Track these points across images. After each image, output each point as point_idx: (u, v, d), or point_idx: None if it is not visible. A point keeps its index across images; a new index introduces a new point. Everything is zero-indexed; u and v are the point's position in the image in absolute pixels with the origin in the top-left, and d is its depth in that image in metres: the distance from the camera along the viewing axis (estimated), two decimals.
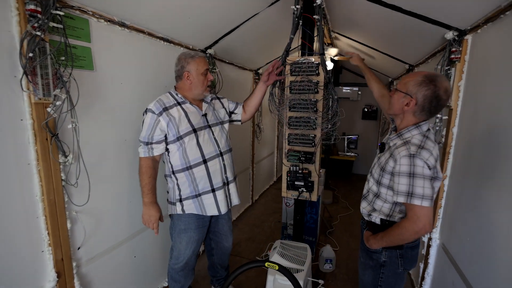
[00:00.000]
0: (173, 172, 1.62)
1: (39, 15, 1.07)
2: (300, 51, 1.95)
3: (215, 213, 1.69)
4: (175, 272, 1.77)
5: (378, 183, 1.24)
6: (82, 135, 1.38)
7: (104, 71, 1.51)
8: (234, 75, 3.10)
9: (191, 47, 2.20)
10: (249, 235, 3.11)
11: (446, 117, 1.71)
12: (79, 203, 1.42)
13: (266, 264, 1.41)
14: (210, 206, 1.67)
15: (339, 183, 5.07)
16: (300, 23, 1.84)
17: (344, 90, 5.44)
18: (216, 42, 2.33)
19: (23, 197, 1.20)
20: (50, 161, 1.25)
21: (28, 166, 1.20)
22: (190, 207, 1.65)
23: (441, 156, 1.79)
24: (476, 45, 1.52)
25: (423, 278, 1.96)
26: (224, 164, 1.70)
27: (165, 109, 1.54)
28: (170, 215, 1.75)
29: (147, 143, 1.54)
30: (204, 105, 1.72)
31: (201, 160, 1.61)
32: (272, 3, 2.12)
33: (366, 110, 5.49)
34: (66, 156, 1.31)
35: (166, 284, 2.17)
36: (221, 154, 1.69)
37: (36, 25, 1.07)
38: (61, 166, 1.31)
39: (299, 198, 2.00)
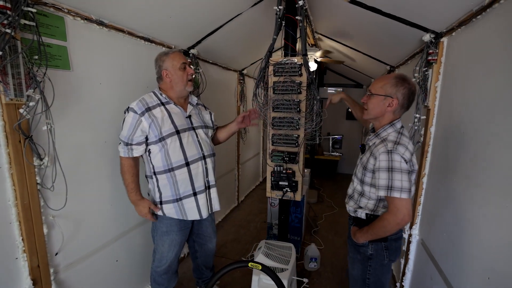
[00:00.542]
0: (155, 173, 1.59)
1: (8, 12, 1.03)
2: (283, 52, 1.96)
3: (196, 217, 1.67)
4: (158, 275, 1.74)
5: (362, 182, 1.32)
6: (59, 137, 1.33)
7: (81, 71, 1.47)
8: (218, 76, 3.08)
9: (173, 46, 2.17)
10: (235, 236, 3.11)
11: (424, 117, 1.77)
12: (56, 207, 1.37)
13: (249, 264, 1.42)
14: (191, 210, 1.65)
15: (324, 183, 5.15)
16: (283, 24, 1.85)
17: (328, 91, 5.52)
18: (199, 42, 2.31)
19: None
20: (24, 164, 1.20)
21: (0, 170, 1.15)
22: (171, 211, 1.62)
23: (419, 154, 1.85)
24: (451, 47, 1.59)
25: (404, 273, 2.02)
26: (206, 168, 1.67)
27: (148, 109, 1.51)
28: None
29: (126, 144, 1.51)
30: (189, 107, 1.70)
31: (184, 162, 1.58)
32: (255, 3, 2.12)
33: (350, 110, 5.58)
34: (41, 159, 1.26)
35: None
36: (204, 157, 1.66)
37: (5, 22, 1.02)
38: (36, 169, 1.26)
39: (283, 198, 2.02)
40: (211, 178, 1.72)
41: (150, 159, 1.58)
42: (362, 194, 1.35)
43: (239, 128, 1.93)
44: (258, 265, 1.40)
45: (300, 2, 1.69)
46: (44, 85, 1.22)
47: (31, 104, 1.18)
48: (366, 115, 1.33)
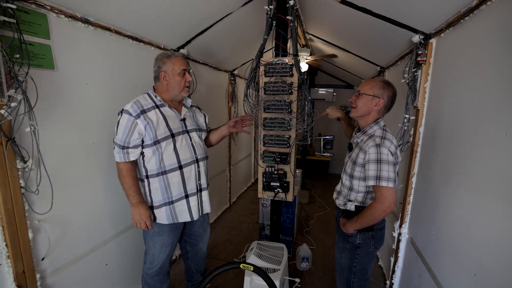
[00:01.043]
0: (147, 177, 1.56)
1: None
2: (274, 52, 1.96)
3: (187, 219, 1.66)
4: (149, 277, 1.71)
5: (351, 176, 1.44)
6: (43, 139, 1.29)
7: (67, 70, 1.43)
8: (209, 76, 3.06)
9: (162, 46, 2.14)
10: (227, 237, 3.09)
11: (414, 117, 1.80)
12: (41, 211, 1.33)
13: (241, 265, 1.40)
14: (182, 213, 1.64)
15: (316, 183, 5.18)
16: (274, 24, 1.85)
17: (320, 92, 5.56)
18: (189, 41, 2.29)
19: None
20: (7, 167, 1.16)
21: None
22: (161, 216, 1.60)
23: (409, 155, 1.88)
24: (440, 48, 1.61)
25: (393, 271, 2.05)
26: (198, 171, 1.66)
27: (143, 111, 1.48)
28: None
29: (123, 147, 1.46)
30: (184, 110, 1.68)
31: (177, 166, 1.57)
32: (246, 3, 2.12)
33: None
34: (25, 162, 1.22)
35: None
36: (197, 160, 1.65)
37: None
38: (19, 173, 1.22)
39: (275, 198, 2.01)
40: (203, 181, 1.71)
41: (144, 162, 1.55)
42: (351, 188, 1.46)
43: (231, 132, 1.93)
44: (250, 266, 1.39)
45: (291, 2, 1.69)
46: (27, 85, 1.18)
47: (13, 104, 1.13)
48: (354, 113, 1.46)
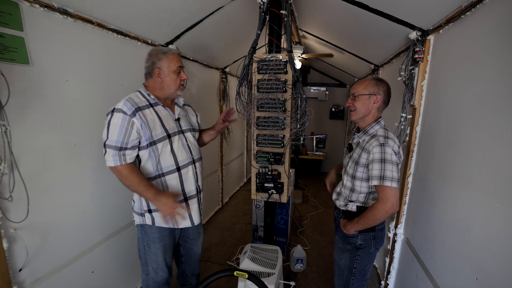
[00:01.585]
0: None
1: None
2: (268, 48, 1.89)
3: (188, 225, 1.58)
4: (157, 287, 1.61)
5: (353, 177, 1.40)
6: (17, 140, 1.19)
7: (44, 66, 1.32)
8: (200, 74, 2.96)
9: (150, 41, 2.04)
10: (219, 239, 3.01)
11: (410, 116, 1.76)
12: (16, 219, 1.22)
13: (235, 273, 1.33)
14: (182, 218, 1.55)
15: (309, 182, 5.15)
16: (267, 19, 1.78)
17: (312, 90, 5.52)
18: (178, 37, 2.19)
19: None
20: None
21: None
22: (160, 219, 1.50)
23: (405, 154, 1.84)
24: (438, 45, 1.57)
25: (388, 272, 2.01)
26: (196, 172, 1.59)
27: (138, 109, 1.37)
28: (137, 225, 1.55)
29: (120, 148, 1.32)
30: (177, 109, 1.59)
31: (175, 167, 1.49)
32: None
33: (333, 110, 5.63)
34: None
35: None
36: (193, 161, 1.58)
37: None
38: None
39: (269, 200, 1.95)
40: (200, 183, 1.66)
41: (140, 166, 1.44)
42: (353, 189, 1.43)
43: (224, 127, 1.85)
44: (244, 273, 1.32)
45: None
46: None
47: None
48: (354, 116, 1.43)
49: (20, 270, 1.27)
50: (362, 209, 1.40)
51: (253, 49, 1.76)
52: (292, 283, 1.93)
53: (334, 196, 1.58)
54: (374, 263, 2.53)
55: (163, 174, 1.46)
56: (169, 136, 1.47)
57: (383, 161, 1.24)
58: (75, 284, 1.57)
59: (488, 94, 1.10)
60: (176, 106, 1.59)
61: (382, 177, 1.23)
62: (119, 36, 1.76)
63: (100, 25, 1.60)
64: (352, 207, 1.44)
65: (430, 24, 1.58)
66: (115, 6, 1.56)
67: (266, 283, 1.38)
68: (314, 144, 5.57)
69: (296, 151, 4.78)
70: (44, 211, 1.36)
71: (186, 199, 1.56)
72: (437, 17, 1.47)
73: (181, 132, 1.56)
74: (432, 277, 1.43)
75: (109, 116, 1.32)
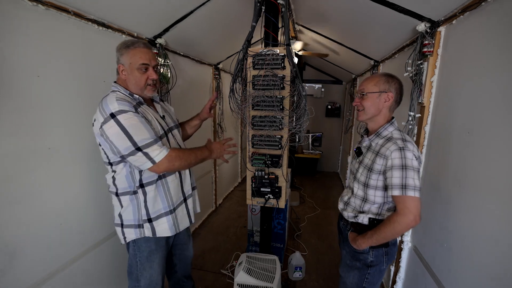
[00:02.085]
0: (142, 186, 1.30)
1: None
2: (264, 42, 1.74)
3: (187, 224, 1.51)
4: None
5: (365, 185, 1.25)
6: None
7: (8, 60, 1.15)
8: (191, 70, 2.79)
9: (135, 34, 1.86)
10: (213, 244, 2.86)
11: (419, 115, 1.63)
12: None
13: None
14: (183, 218, 1.47)
15: (305, 181, 5.03)
16: (263, 10, 1.62)
17: (307, 87, 5.39)
18: (167, 29, 2.02)
19: None
20: None
21: None
22: (163, 228, 1.36)
23: None
24: (451, 38, 1.44)
25: (394, 282, 1.89)
26: (190, 170, 1.51)
27: (134, 107, 1.22)
28: (129, 242, 1.38)
29: (156, 140, 1.20)
30: (157, 106, 1.45)
31: None
32: None
33: (329, 107, 5.51)
34: None
35: None
36: None
37: None
38: None
39: (265, 205, 1.81)
40: (193, 179, 1.58)
41: (139, 169, 1.27)
42: (365, 199, 1.27)
43: (210, 115, 1.74)
44: None
45: None
46: None
47: None
48: (363, 116, 1.28)
49: None
50: (375, 222, 1.25)
51: (248, 42, 1.61)
52: None
53: (340, 206, 1.42)
54: None
55: (164, 176, 1.34)
56: (166, 134, 1.37)
57: (404, 167, 1.10)
58: None
59: (506, 93, 0.97)
60: (155, 103, 1.45)
61: (404, 186, 1.08)
62: (101, 27, 1.58)
63: (77, 15, 1.42)
64: (364, 219, 1.28)
65: (441, 15, 1.45)
66: None
67: None
68: (310, 142, 5.45)
69: (292, 150, 4.66)
70: (9, 225, 1.19)
71: (185, 199, 1.47)
72: (450, 6, 1.33)
73: (170, 130, 1.43)
74: None
75: (112, 122, 1.14)
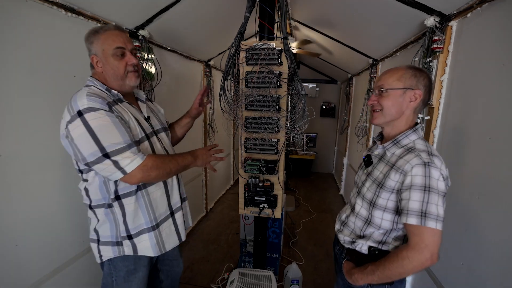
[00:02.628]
0: (118, 197, 1.10)
1: None
2: (258, 35, 1.57)
3: (176, 243, 1.28)
4: None
5: (372, 204, 1.01)
6: None
7: None
8: (179, 67, 2.59)
9: (113, 24, 1.65)
10: (203, 254, 2.67)
11: (428, 117, 1.48)
12: None
13: None
14: (171, 237, 1.25)
15: (299, 183, 4.89)
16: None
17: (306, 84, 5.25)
18: (150, 20, 1.81)
19: None
20: None
21: None
22: (145, 246, 1.16)
23: None
24: (464, 33, 1.29)
25: None
26: (178, 178, 1.31)
27: (109, 104, 1.02)
28: (104, 262, 1.18)
29: (130, 145, 1.00)
30: (142, 105, 1.25)
31: None
32: None
33: (324, 107, 5.38)
34: None
35: None
36: None
37: None
38: None
39: (260, 215, 1.64)
40: (183, 189, 1.37)
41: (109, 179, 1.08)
42: (368, 221, 1.02)
43: (201, 112, 1.55)
44: None
45: None
46: None
47: None
48: (380, 118, 1.02)
49: None
50: (376, 252, 1.01)
51: (241, 34, 1.44)
52: None
53: (337, 226, 1.19)
54: None
55: (144, 186, 1.13)
56: (147, 137, 1.16)
57: (427, 189, 0.85)
58: None
59: None
60: (139, 102, 1.25)
61: (423, 214, 0.84)
62: (69, 14, 1.38)
63: None
64: (362, 246, 1.03)
65: (454, 8, 1.31)
66: None
67: None
68: (304, 143, 5.31)
69: (287, 151, 4.50)
70: None
71: (172, 213, 1.26)
72: None
73: (154, 133, 1.23)
74: None
75: (79, 122, 0.95)
